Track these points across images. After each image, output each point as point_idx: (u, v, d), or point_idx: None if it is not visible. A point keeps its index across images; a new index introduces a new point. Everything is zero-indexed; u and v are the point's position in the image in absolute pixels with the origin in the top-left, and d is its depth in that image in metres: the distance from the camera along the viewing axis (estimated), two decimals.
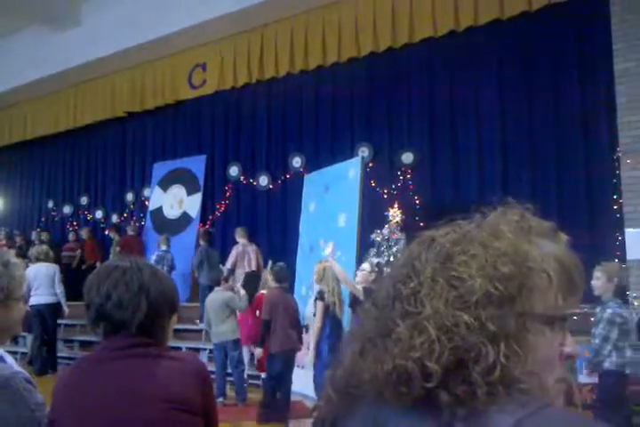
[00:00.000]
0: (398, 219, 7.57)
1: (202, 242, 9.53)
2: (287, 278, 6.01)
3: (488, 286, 0.71)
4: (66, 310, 8.63)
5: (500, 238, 0.75)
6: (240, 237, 9.20)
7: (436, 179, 8.46)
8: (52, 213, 13.53)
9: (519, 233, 0.77)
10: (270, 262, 7.63)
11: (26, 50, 11.73)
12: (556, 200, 7.38)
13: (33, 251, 8.73)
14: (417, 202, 8.39)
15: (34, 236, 12.69)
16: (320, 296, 5.28)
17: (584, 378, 4.55)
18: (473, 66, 8.23)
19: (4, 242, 12.36)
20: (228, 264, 8.90)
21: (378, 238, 7.33)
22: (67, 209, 13.28)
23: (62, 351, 10.03)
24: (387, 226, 7.44)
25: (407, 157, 8.66)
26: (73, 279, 10.22)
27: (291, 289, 7.64)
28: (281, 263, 6.32)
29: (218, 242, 10.45)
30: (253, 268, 8.97)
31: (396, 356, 0.70)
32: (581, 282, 0.78)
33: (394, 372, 0.70)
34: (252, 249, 9.15)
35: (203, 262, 9.21)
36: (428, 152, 8.55)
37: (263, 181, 10.22)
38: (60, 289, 8.40)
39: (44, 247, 9.06)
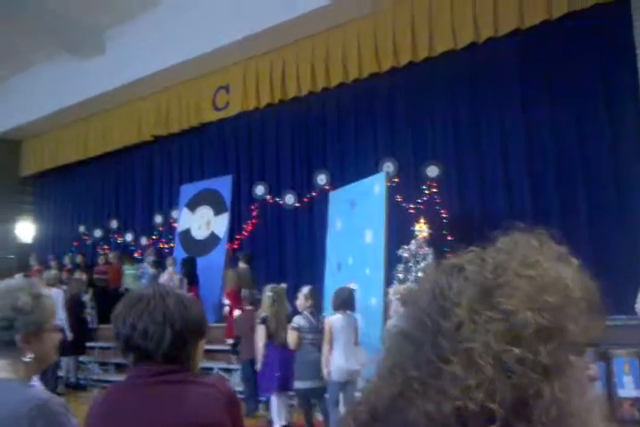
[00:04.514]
0: (425, 233, 7.51)
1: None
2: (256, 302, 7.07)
3: (539, 319, 0.69)
4: (68, 335, 8.43)
5: (534, 267, 0.73)
6: (170, 265, 9.89)
7: (462, 192, 8.39)
8: (84, 238, 13.78)
9: (550, 260, 0.75)
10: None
11: (53, 79, 12.06)
12: (586, 209, 7.25)
13: (44, 276, 8.79)
14: (443, 216, 8.33)
15: (66, 260, 12.89)
16: (262, 320, 6.24)
17: (627, 392, 4.43)
18: (495, 76, 8.19)
19: (36, 268, 12.57)
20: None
21: (405, 254, 7.28)
22: (97, 233, 13.50)
23: (98, 374, 10.13)
24: (413, 241, 7.39)
25: (432, 171, 8.61)
26: (106, 302, 10.37)
27: (320, 308, 7.62)
28: (254, 291, 7.52)
29: None
30: None
31: (455, 397, 0.67)
32: (602, 305, 0.76)
33: (453, 414, 0.67)
34: (177, 278, 9.75)
35: None
36: (452, 165, 8.49)
37: (289, 199, 10.26)
38: (63, 315, 8.28)
39: (54, 272, 9.19)
